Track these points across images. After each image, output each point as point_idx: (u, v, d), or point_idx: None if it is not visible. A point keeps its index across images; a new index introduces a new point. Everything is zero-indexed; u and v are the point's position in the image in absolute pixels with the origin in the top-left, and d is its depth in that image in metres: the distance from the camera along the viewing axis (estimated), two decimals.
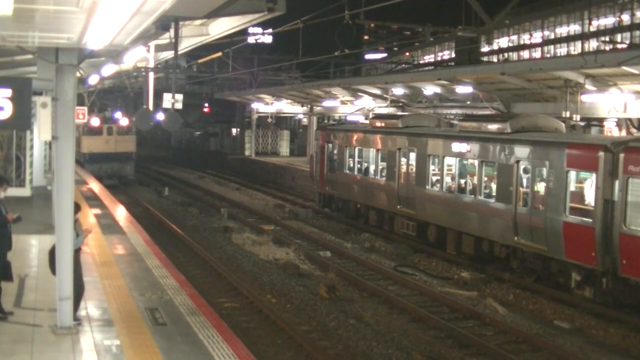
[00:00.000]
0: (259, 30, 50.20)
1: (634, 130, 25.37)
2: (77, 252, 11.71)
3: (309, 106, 54.13)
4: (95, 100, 52.39)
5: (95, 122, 44.06)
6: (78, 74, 14.23)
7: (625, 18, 61.74)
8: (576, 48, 63.41)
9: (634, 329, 16.92)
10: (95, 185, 34.71)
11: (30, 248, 18.07)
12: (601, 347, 16.11)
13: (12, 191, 24.41)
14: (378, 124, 30.54)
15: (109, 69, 26.59)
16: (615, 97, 23.49)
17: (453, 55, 67.76)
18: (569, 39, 68.40)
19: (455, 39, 45.99)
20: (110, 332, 11.51)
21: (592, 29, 62.16)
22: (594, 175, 17.99)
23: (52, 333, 11.33)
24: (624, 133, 26.05)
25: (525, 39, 74.31)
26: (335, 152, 32.69)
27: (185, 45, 25.19)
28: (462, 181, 23.98)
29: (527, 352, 15.71)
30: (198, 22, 21.52)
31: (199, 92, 79.52)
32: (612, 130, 28.09)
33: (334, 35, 36.29)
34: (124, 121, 46.27)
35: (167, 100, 26.91)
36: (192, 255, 24.69)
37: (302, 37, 47.22)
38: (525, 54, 71.84)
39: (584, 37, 59.70)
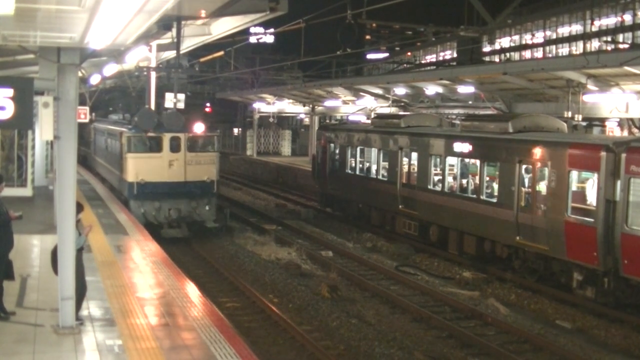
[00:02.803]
0: (261, 30, 50.23)
1: (635, 131, 25.37)
2: (79, 251, 11.72)
3: (310, 106, 54.17)
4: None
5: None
6: (80, 74, 14.24)
7: (627, 18, 61.76)
8: (578, 48, 63.43)
9: (635, 329, 16.92)
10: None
11: (32, 248, 18.07)
12: (603, 347, 16.09)
13: (14, 191, 24.52)
14: (380, 123, 30.54)
15: (110, 69, 26.63)
16: (617, 97, 23.49)
17: (455, 55, 67.83)
18: (570, 39, 68.43)
19: (457, 39, 46.06)
20: (112, 332, 11.50)
21: (594, 29, 62.19)
22: (595, 175, 17.98)
23: (54, 333, 11.32)
24: (625, 133, 26.05)
25: (527, 38, 74.34)
26: (337, 152, 32.68)
27: (187, 44, 25.24)
28: (464, 181, 23.98)
29: (528, 351, 15.70)
30: (200, 21, 21.57)
31: (200, 91, 79.61)
32: (614, 130, 28.09)
33: (336, 35, 36.27)
34: (198, 127, 27.10)
35: (169, 99, 26.96)
36: (194, 255, 24.69)
37: (304, 36, 47.17)
38: (527, 54, 71.89)
39: (585, 37, 59.72)
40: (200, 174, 26.85)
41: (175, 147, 26.61)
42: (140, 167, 26.51)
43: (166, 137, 26.53)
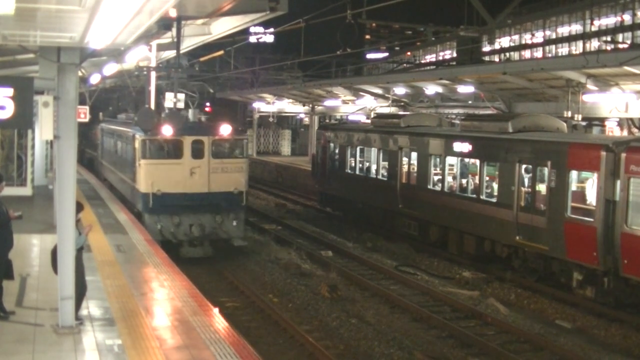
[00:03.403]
0: (261, 29, 50.20)
1: (635, 130, 25.37)
2: (79, 251, 11.72)
3: (310, 106, 54.16)
4: (166, 85, 28.67)
5: (168, 130, 22.93)
6: (80, 73, 14.25)
7: (627, 18, 61.85)
8: (578, 48, 63.51)
9: (635, 329, 16.93)
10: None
11: (31, 247, 18.07)
12: (602, 347, 16.10)
13: (14, 190, 24.51)
14: (379, 123, 30.54)
15: (110, 68, 26.61)
16: (617, 97, 23.49)
17: (455, 54, 67.84)
18: (570, 38, 68.49)
19: (457, 39, 46.08)
20: (112, 332, 11.50)
21: (594, 28, 62.29)
22: (595, 175, 17.99)
23: (53, 332, 11.32)
24: (625, 133, 26.05)
25: (527, 38, 74.40)
26: (337, 151, 32.68)
27: (187, 44, 25.22)
28: (464, 181, 23.99)
29: (528, 351, 15.71)
30: (200, 21, 21.56)
31: (200, 91, 79.50)
32: (613, 130, 28.10)
33: (336, 35, 36.29)
34: (224, 129, 23.65)
35: (169, 99, 26.90)
36: None
37: (304, 36, 47.20)
38: (526, 54, 71.96)
39: (585, 36, 59.79)
40: (227, 184, 23.31)
41: (197, 152, 23.03)
42: (156, 176, 22.85)
43: (187, 141, 22.90)
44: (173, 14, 19.73)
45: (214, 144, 23.32)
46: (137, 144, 23.57)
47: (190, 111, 25.09)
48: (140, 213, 23.42)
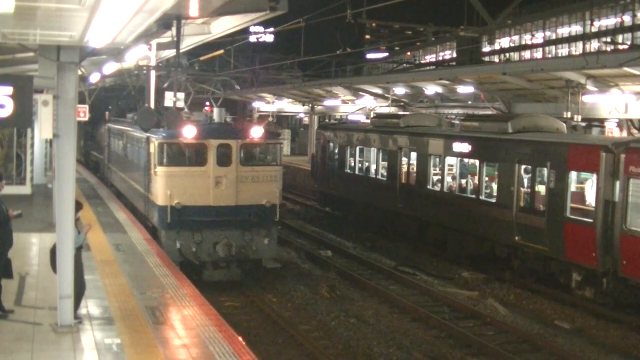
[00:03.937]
0: (261, 29, 50.20)
1: (635, 131, 25.37)
2: (78, 250, 11.72)
3: (310, 105, 54.15)
4: (184, 81, 26.91)
5: (191, 132, 19.78)
6: (80, 72, 14.26)
7: (627, 19, 61.85)
8: (578, 49, 63.55)
9: (634, 330, 16.94)
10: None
11: (31, 246, 18.07)
12: (602, 348, 16.10)
13: (13, 189, 24.48)
14: (379, 123, 30.53)
15: (110, 68, 26.60)
16: (617, 98, 23.48)
17: (455, 55, 67.87)
18: (570, 39, 68.53)
19: (457, 39, 46.10)
20: (111, 331, 11.50)
21: (594, 29, 62.28)
22: (595, 176, 18.00)
23: (53, 332, 11.32)
24: (625, 134, 26.05)
25: (527, 39, 74.42)
26: (337, 151, 32.67)
27: (187, 44, 25.23)
28: (464, 181, 23.99)
29: (527, 352, 15.72)
30: (200, 20, 21.54)
31: (200, 90, 79.44)
32: (613, 131, 28.09)
33: (336, 35, 36.25)
34: (255, 132, 20.51)
35: (169, 98, 26.84)
36: None
37: (304, 36, 47.21)
38: (526, 55, 72.00)
39: (585, 37, 59.83)
40: (258, 196, 20.08)
41: (224, 158, 19.92)
42: (175, 186, 19.67)
43: (212, 145, 19.79)
44: (173, 13, 19.72)
45: (244, 149, 20.24)
46: (152, 148, 20.63)
47: (216, 110, 22.16)
48: (156, 229, 20.58)
